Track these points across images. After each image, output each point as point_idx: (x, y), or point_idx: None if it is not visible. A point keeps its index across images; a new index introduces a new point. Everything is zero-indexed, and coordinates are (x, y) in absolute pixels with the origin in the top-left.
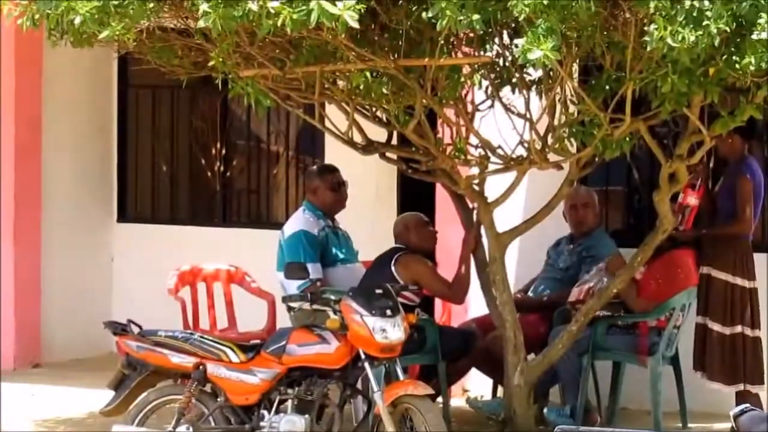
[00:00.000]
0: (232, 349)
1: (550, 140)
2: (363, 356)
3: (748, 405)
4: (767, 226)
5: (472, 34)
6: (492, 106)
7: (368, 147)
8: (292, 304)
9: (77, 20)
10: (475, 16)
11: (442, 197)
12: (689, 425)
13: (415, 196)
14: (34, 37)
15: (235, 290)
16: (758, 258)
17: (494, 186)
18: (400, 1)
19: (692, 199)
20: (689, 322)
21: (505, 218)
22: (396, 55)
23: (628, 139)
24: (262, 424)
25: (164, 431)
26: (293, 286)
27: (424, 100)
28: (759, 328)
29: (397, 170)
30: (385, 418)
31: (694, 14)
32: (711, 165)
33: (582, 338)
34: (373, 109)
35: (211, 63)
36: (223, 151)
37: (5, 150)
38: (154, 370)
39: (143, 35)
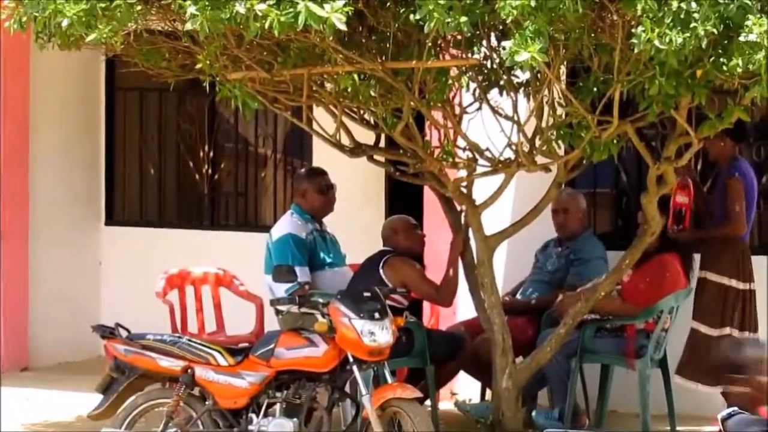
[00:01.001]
0: (221, 353)
1: (537, 142)
2: (351, 359)
3: (736, 408)
4: (764, 228)
5: (459, 37)
6: (480, 108)
7: (356, 150)
8: (281, 308)
9: (64, 23)
10: (463, 19)
11: (430, 200)
12: (678, 428)
13: (403, 199)
14: (22, 40)
15: (223, 293)
16: (756, 260)
17: (482, 189)
18: (388, 4)
19: (681, 197)
20: (677, 325)
21: (493, 221)
22: (384, 58)
23: (615, 141)
24: (250, 427)
25: None
26: (281, 290)
27: (411, 103)
28: (751, 330)
29: (385, 173)
30: (373, 422)
31: (682, 16)
32: (700, 167)
33: (570, 341)
34: (361, 111)
35: (198, 66)
36: (211, 154)
37: None
38: (142, 374)
39: (131, 38)
